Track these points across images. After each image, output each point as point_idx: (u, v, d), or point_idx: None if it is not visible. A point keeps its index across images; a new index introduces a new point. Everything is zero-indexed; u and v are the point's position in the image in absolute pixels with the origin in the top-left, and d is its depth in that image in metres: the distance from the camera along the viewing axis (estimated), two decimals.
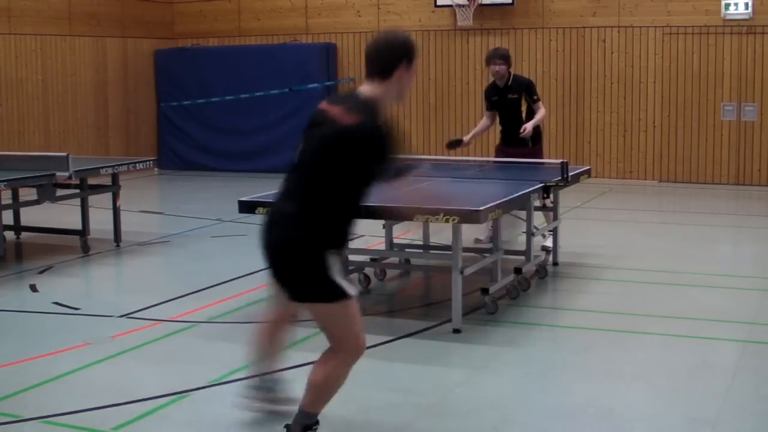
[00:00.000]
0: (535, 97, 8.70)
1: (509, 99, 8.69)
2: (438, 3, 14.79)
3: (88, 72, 15.19)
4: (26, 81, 14.12)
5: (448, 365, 5.57)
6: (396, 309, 7.05)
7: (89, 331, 6.27)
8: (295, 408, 4.16)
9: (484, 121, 9.14)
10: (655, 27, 13.83)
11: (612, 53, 14.14)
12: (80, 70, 15.03)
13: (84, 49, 15.09)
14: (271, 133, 15.58)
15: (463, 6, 14.41)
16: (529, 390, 5.12)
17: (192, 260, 8.79)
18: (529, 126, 8.51)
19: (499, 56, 8.69)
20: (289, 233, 3.86)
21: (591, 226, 10.37)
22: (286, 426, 4.12)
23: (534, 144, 8.74)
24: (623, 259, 8.46)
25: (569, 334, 6.31)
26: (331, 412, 4.75)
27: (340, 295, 3.88)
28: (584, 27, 14.22)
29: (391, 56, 3.93)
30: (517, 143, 8.68)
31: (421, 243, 8.14)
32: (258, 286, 7.40)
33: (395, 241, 7.91)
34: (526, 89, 8.74)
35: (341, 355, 4.01)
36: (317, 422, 4.13)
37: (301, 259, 3.85)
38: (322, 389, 4.05)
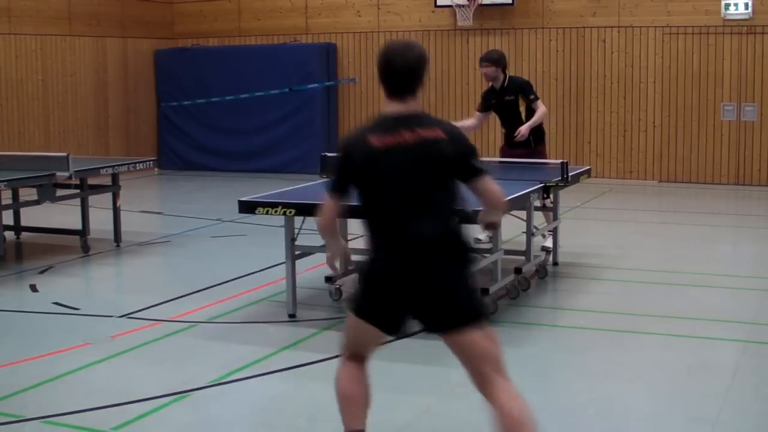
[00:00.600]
0: (532, 97, 8.66)
1: (506, 101, 8.68)
2: (438, 3, 14.78)
3: (88, 72, 15.19)
4: (26, 81, 14.13)
5: (448, 365, 5.55)
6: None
7: (89, 331, 6.27)
8: None
9: (471, 121, 9.01)
10: (655, 27, 13.83)
11: (612, 53, 14.14)
12: (80, 70, 15.03)
13: (84, 49, 15.09)
14: (271, 133, 15.59)
15: (463, 6, 14.41)
16: (529, 390, 5.10)
17: (192, 260, 8.79)
18: (523, 129, 8.46)
19: (487, 59, 8.64)
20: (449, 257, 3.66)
21: (591, 226, 10.37)
22: None
23: (537, 144, 8.71)
24: (623, 259, 8.46)
25: (569, 334, 6.31)
26: (330, 412, 4.75)
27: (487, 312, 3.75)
28: (584, 27, 14.22)
29: (419, 73, 3.74)
30: (520, 144, 8.67)
31: None
32: (258, 286, 7.41)
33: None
34: (522, 90, 8.72)
35: (508, 383, 3.68)
36: None
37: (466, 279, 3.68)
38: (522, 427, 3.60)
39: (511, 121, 8.70)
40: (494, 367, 3.64)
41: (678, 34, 13.72)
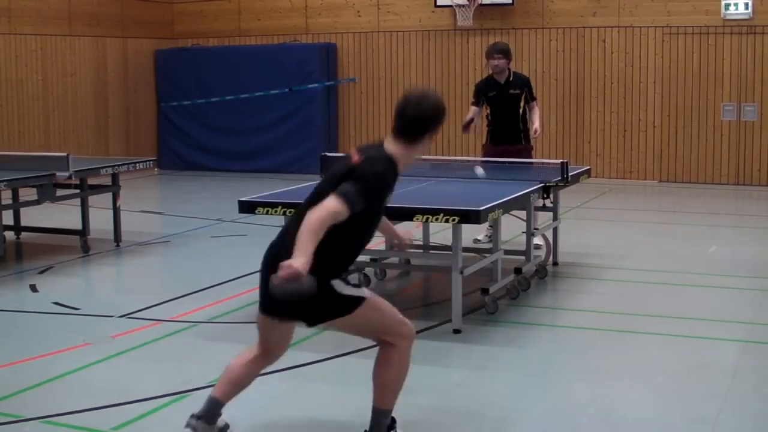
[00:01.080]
0: (535, 95, 8.75)
1: (511, 95, 8.64)
2: (438, 3, 14.78)
3: (88, 72, 15.19)
4: (26, 81, 14.12)
5: (448, 365, 5.57)
6: (396, 309, 7.04)
7: (89, 331, 6.27)
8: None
9: (470, 117, 8.99)
10: (655, 27, 13.83)
11: (612, 53, 14.14)
12: (80, 70, 15.03)
13: (84, 49, 15.09)
14: (271, 133, 15.59)
15: (463, 6, 14.41)
16: (529, 390, 5.12)
17: (192, 260, 8.79)
18: (537, 125, 8.57)
19: (498, 50, 8.62)
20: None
21: (591, 226, 10.37)
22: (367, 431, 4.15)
23: (527, 141, 8.76)
24: (623, 259, 8.46)
25: (569, 334, 6.31)
26: (330, 413, 4.75)
27: (356, 303, 3.97)
28: (584, 27, 14.22)
29: (422, 125, 3.98)
30: (511, 140, 8.68)
31: (421, 243, 8.14)
32: (258, 286, 7.40)
33: (395, 241, 7.89)
34: (528, 86, 8.74)
35: (399, 345, 4.07)
36: (394, 420, 4.21)
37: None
38: (395, 384, 4.12)
39: (508, 116, 8.68)
40: (380, 337, 4.12)
41: (678, 34, 13.72)
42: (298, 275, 3.52)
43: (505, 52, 8.62)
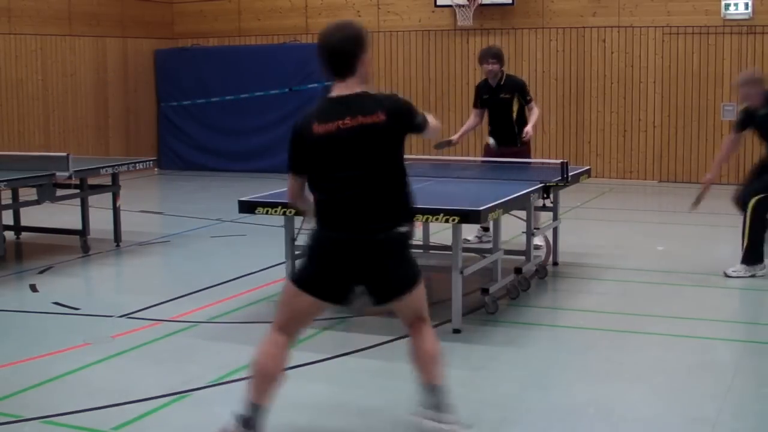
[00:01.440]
0: (528, 98, 8.72)
1: (501, 98, 8.69)
2: (438, 3, 14.79)
3: (88, 72, 15.19)
4: (26, 81, 14.13)
5: (448, 365, 5.56)
6: None
7: (89, 331, 6.27)
8: None
9: (472, 119, 9.11)
10: (655, 27, 13.83)
11: (612, 53, 14.14)
12: (80, 70, 15.03)
13: (84, 49, 15.09)
14: (271, 133, 15.58)
15: (463, 6, 14.41)
16: (529, 390, 5.12)
17: (192, 260, 8.79)
18: (530, 129, 8.54)
19: (492, 55, 8.67)
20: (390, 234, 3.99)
21: (591, 226, 10.37)
22: (425, 407, 4.16)
23: (522, 143, 8.77)
24: (623, 259, 8.46)
25: (569, 334, 6.31)
26: (330, 413, 4.75)
27: (419, 271, 4.13)
28: (584, 27, 14.22)
29: (354, 55, 3.92)
30: (507, 142, 8.72)
31: (421, 243, 8.14)
32: (258, 286, 7.41)
33: None
34: (520, 90, 8.74)
35: (428, 324, 4.22)
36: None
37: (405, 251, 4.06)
38: (438, 358, 4.22)
39: (501, 119, 8.73)
40: (420, 315, 4.18)
41: (678, 34, 13.72)
42: None
43: (498, 57, 8.65)
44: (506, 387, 5.16)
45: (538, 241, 8.45)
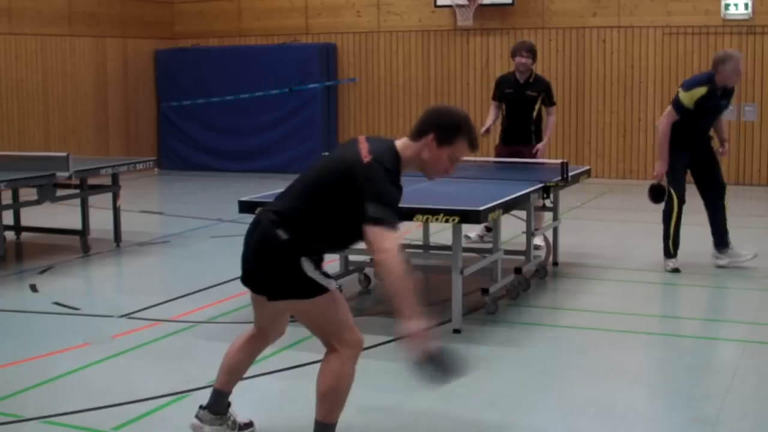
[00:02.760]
0: (554, 100, 8.66)
1: (527, 95, 8.58)
2: (438, 3, 14.79)
3: (89, 72, 15.19)
4: (26, 81, 14.13)
5: None
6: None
7: (89, 331, 6.28)
8: None
9: (493, 112, 8.91)
10: (655, 27, 13.83)
11: (612, 53, 14.14)
12: (80, 70, 15.03)
13: (84, 49, 15.09)
14: (271, 133, 15.59)
15: (463, 6, 14.41)
16: (529, 390, 5.12)
17: (192, 260, 8.79)
18: (541, 147, 8.54)
19: (527, 48, 8.55)
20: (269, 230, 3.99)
21: (591, 226, 10.37)
22: None
23: (537, 142, 8.74)
24: (623, 259, 8.46)
25: (569, 334, 6.31)
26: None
27: (317, 291, 3.87)
28: (584, 27, 14.22)
29: (426, 121, 3.91)
30: (522, 140, 8.65)
31: (421, 243, 8.14)
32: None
33: None
34: (547, 91, 8.65)
35: (343, 353, 3.93)
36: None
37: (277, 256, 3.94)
38: (335, 394, 3.97)
39: (521, 116, 8.62)
40: (322, 337, 4.04)
41: (678, 34, 13.72)
42: (424, 342, 3.61)
43: (532, 51, 8.56)
44: (506, 387, 5.17)
45: (538, 241, 8.45)
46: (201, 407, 4.27)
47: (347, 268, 7.29)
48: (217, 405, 4.25)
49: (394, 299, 3.65)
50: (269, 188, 7.11)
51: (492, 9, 14.55)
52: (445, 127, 3.88)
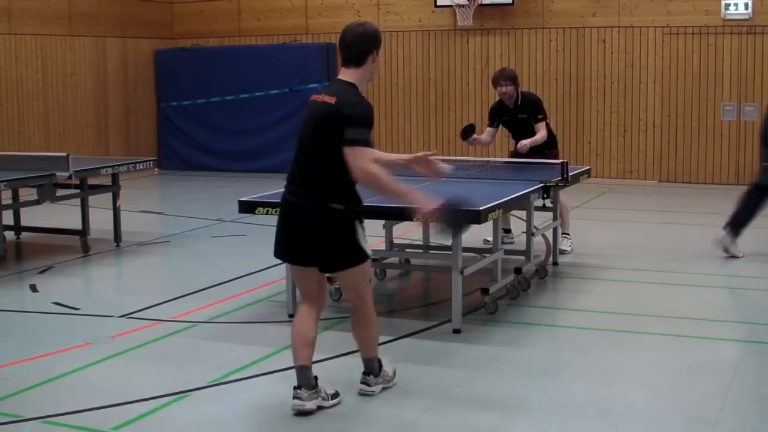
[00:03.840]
0: (540, 117, 8.55)
1: (520, 119, 8.58)
2: (438, 3, 14.78)
3: (88, 72, 15.19)
4: (26, 81, 14.12)
5: (448, 365, 5.57)
6: (396, 309, 7.05)
7: (89, 331, 6.27)
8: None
9: (485, 137, 8.88)
10: (655, 27, 13.83)
11: (612, 53, 14.14)
12: (80, 70, 15.03)
13: (84, 49, 15.09)
14: (271, 133, 15.59)
15: (463, 6, 14.41)
16: (529, 390, 5.12)
17: (192, 260, 8.79)
18: (527, 143, 8.43)
19: (506, 77, 8.51)
20: (319, 206, 4.47)
21: (591, 226, 10.37)
22: (365, 373, 4.89)
23: (551, 147, 8.63)
24: (623, 259, 8.46)
25: (569, 334, 6.31)
26: (330, 413, 4.75)
27: (366, 256, 4.57)
28: (584, 27, 14.22)
29: (365, 47, 4.55)
30: (533, 150, 8.59)
31: (421, 243, 8.14)
32: (258, 286, 7.42)
33: (395, 241, 7.92)
34: (533, 108, 8.62)
35: (365, 306, 4.73)
36: (380, 360, 4.94)
37: (336, 228, 4.49)
38: (376, 335, 4.88)
39: (523, 137, 8.62)
40: (358, 296, 4.71)
41: (678, 34, 13.72)
42: (430, 205, 4.42)
43: (512, 79, 8.52)
44: (506, 387, 5.17)
45: (565, 246, 8.47)
46: (296, 388, 4.64)
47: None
48: (308, 380, 4.66)
49: (391, 196, 4.49)
50: (269, 188, 7.11)
51: (492, 9, 14.54)
52: (378, 40, 4.60)
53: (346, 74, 4.56)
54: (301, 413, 4.60)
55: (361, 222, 4.54)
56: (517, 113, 8.57)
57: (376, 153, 4.82)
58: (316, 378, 4.70)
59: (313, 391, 4.66)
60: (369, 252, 4.58)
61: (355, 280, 4.62)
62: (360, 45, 4.53)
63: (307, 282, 4.70)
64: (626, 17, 13.96)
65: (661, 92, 13.90)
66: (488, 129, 8.85)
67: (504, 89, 8.49)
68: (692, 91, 13.73)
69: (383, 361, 4.99)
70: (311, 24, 15.99)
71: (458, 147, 14.88)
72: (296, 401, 4.61)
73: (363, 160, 4.33)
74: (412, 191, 4.49)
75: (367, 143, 4.36)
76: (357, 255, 4.52)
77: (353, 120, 4.35)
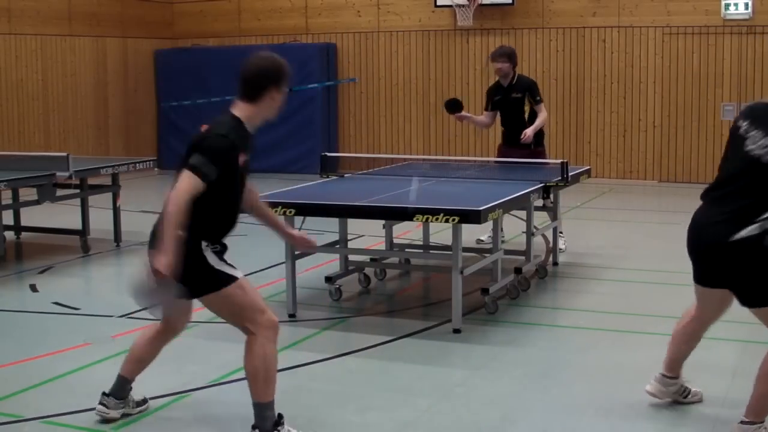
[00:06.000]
0: (538, 98, 8.60)
1: (512, 98, 8.62)
2: (438, 3, 14.78)
3: (88, 72, 15.19)
4: (26, 81, 14.13)
5: (448, 365, 5.57)
6: (396, 309, 7.05)
7: (89, 331, 6.28)
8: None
9: (482, 118, 9.05)
10: (655, 27, 13.83)
11: (612, 53, 14.14)
12: (80, 70, 15.03)
13: (84, 49, 15.09)
14: (270, 133, 15.47)
15: (463, 6, 14.41)
16: (529, 390, 5.12)
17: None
18: (529, 131, 8.41)
19: (501, 54, 8.59)
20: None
21: (591, 226, 10.37)
22: (254, 427, 4.23)
23: (537, 145, 8.67)
24: (623, 259, 8.46)
25: (569, 334, 6.31)
26: (330, 411, 4.75)
27: (226, 280, 4.16)
28: (584, 27, 14.22)
29: (261, 81, 4.24)
30: (520, 144, 8.64)
31: (421, 243, 8.14)
32: (258, 286, 7.40)
33: (395, 241, 7.92)
34: (529, 89, 8.67)
35: (258, 335, 4.17)
36: (281, 416, 4.25)
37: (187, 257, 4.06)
38: (264, 374, 4.16)
39: (513, 120, 8.66)
40: (239, 324, 4.27)
41: (678, 34, 13.72)
42: (164, 279, 3.86)
43: (509, 56, 8.57)
44: (506, 387, 5.17)
45: (560, 244, 8.50)
46: (104, 394, 4.55)
47: (347, 268, 7.29)
48: (122, 391, 4.59)
49: (162, 233, 3.99)
50: (269, 188, 7.12)
51: (492, 9, 14.54)
52: (280, 74, 4.29)
53: (237, 107, 4.28)
54: (105, 421, 4.56)
55: (216, 248, 4.24)
56: (511, 93, 8.60)
57: (262, 207, 4.77)
58: (130, 389, 4.62)
59: (121, 401, 4.58)
60: (234, 273, 4.21)
61: (223, 307, 4.26)
62: (258, 80, 4.25)
63: (179, 309, 4.43)
64: (626, 17, 13.96)
65: (661, 92, 13.90)
66: (485, 112, 8.89)
67: (499, 65, 8.54)
68: (692, 91, 13.73)
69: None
70: (311, 24, 15.99)
71: (459, 147, 14.90)
72: (101, 407, 4.55)
73: (185, 188, 4.03)
74: (171, 248, 3.94)
75: (204, 176, 4.02)
76: (213, 280, 4.16)
77: (201, 148, 4.07)
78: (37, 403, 4.88)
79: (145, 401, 4.73)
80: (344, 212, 6.62)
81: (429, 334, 6.10)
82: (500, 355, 5.73)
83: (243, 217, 6.34)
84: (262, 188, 7.57)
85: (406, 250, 8.09)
